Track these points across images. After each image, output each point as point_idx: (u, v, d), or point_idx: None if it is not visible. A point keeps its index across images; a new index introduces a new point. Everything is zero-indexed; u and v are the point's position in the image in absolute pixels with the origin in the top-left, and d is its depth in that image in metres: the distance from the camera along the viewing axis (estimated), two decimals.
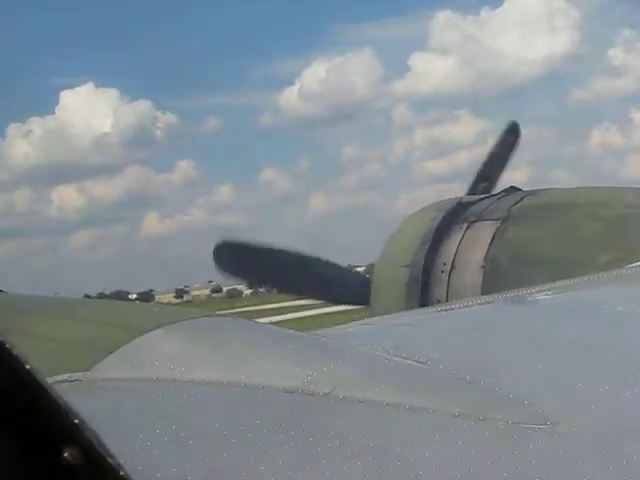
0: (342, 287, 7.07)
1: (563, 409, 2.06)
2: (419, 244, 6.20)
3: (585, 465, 1.84)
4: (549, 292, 3.99)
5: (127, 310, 2.97)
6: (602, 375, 2.39)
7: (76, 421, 0.87)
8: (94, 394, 2.24)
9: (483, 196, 6.61)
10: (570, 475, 1.80)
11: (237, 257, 6.78)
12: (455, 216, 6.30)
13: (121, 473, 0.90)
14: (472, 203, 6.42)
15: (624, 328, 2.97)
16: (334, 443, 1.84)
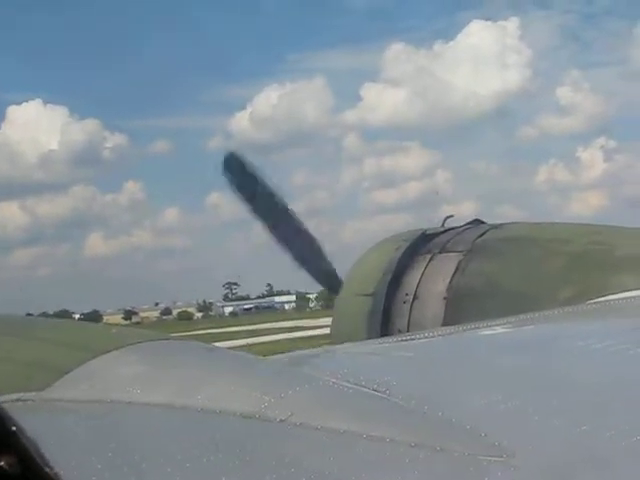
0: (314, 260, 6.89)
1: (519, 442, 2.05)
2: (382, 274, 6.19)
3: None
4: (510, 326, 4.00)
5: (85, 331, 2.94)
6: (559, 409, 2.39)
7: (13, 429, 0.86)
8: (46, 414, 2.21)
9: (447, 228, 6.63)
10: None
11: (244, 174, 6.58)
12: (419, 247, 6.31)
13: None
14: (436, 235, 6.44)
15: (583, 363, 2.98)
16: (289, 470, 1.83)
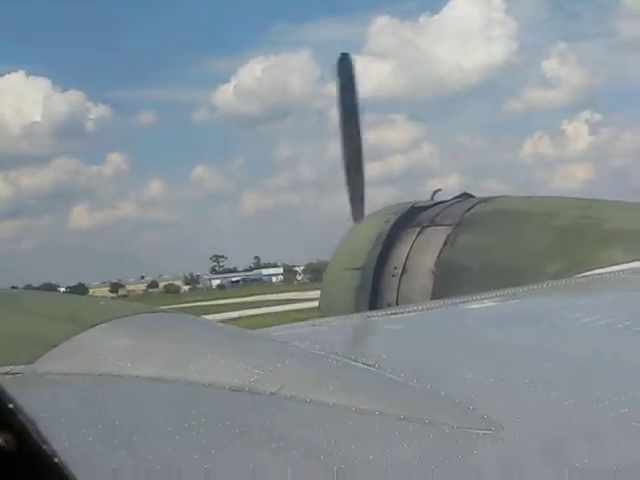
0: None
1: (508, 415, 2.06)
2: (371, 247, 6.20)
3: (529, 470, 1.84)
4: (498, 299, 4.01)
5: (73, 303, 2.93)
6: (547, 382, 2.40)
7: (10, 406, 0.85)
8: (35, 387, 2.21)
9: (436, 201, 6.63)
10: None
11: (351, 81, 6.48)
12: (408, 220, 6.31)
13: (55, 460, 0.88)
14: (425, 208, 6.44)
15: (571, 336, 2.99)
16: (279, 443, 1.83)
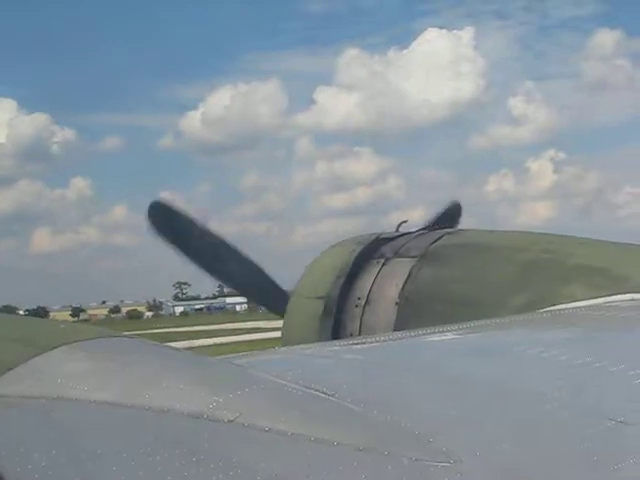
0: (258, 285, 7.03)
1: (467, 448, 2.05)
2: (335, 277, 6.19)
3: None
4: (461, 332, 4.01)
5: (32, 326, 2.89)
6: (506, 416, 2.40)
7: None
8: None
9: (401, 232, 6.64)
10: None
11: (170, 221, 6.67)
12: (372, 251, 6.31)
13: None
14: (390, 239, 6.44)
15: (531, 371, 2.99)
16: (236, 471, 1.81)
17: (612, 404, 2.58)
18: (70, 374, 2.28)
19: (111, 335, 2.67)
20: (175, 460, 1.85)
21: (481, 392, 2.64)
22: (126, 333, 2.96)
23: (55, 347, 2.40)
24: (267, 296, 7.17)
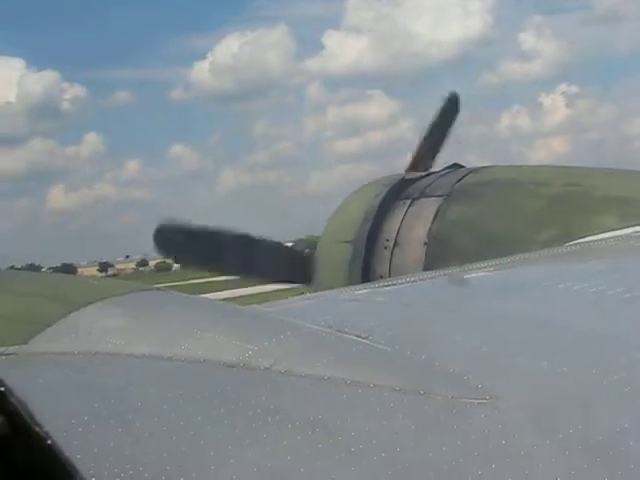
0: (280, 266, 7.03)
1: (503, 384, 2.07)
2: (362, 220, 6.20)
3: (524, 440, 1.85)
4: (491, 269, 4.02)
5: (65, 283, 2.92)
6: (541, 351, 2.40)
7: (1, 389, 0.85)
8: (29, 368, 2.21)
9: (426, 173, 6.62)
10: (509, 450, 1.81)
11: (178, 241, 6.69)
12: (398, 192, 6.31)
13: (48, 442, 0.88)
14: (415, 180, 6.43)
15: (563, 305, 3.00)
16: (274, 418, 1.83)
17: None
18: (107, 329, 2.31)
19: (144, 289, 2.69)
20: (214, 409, 1.88)
21: (514, 328, 2.65)
22: (158, 286, 2.99)
23: (90, 303, 2.42)
24: (296, 272, 7.13)
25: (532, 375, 2.19)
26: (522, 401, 2.01)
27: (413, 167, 6.94)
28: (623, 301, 2.96)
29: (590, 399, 2.08)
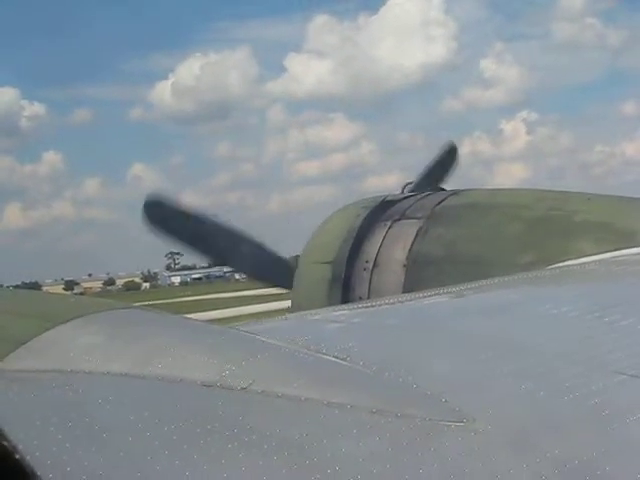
0: (263, 265, 7.05)
1: (480, 407, 2.06)
2: (342, 241, 6.20)
3: (501, 462, 1.85)
4: (470, 291, 4.02)
5: (41, 300, 2.90)
6: (518, 374, 2.41)
7: None
8: (4, 385, 2.19)
9: (407, 194, 6.64)
10: (486, 472, 1.81)
11: (167, 217, 6.68)
12: (379, 214, 6.32)
13: (17, 457, 0.88)
14: (396, 201, 6.45)
15: (542, 328, 3.00)
16: (251, 437, 1.83)
17: (622, 358, 2.59)
18: (83, 347, 2.29)
19: (122, 307, 2.68)
20: (190, 429, 1.87)
21: (492, 351, 2.65)
22: (136, 304, 2.97)
23: (67, 320, 2.41)
24: (277, 274, 7.16)
25: (509, 398, 2.19)
26: (499, 424, 2.01)
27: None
28: (601, 325, 2.97)
29: (567, 423, 2.08)
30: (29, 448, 0.91)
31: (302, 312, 4.33)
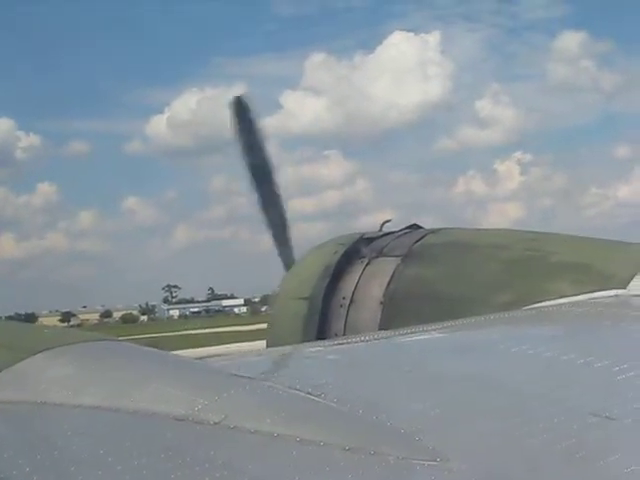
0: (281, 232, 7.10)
1: (454, 446, 2.05)
2: (319, 277, 6.18)
3: None
4: (446, 330, 4.01)
5: (15, 330, 2.88)
6: (492, 413, 2.40)
7: None
8: None
9: (385, 232, 6.64)
10: None
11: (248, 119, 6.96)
12: (356, 251, 6.31)
13: None
14: (374, 239, 6.44)
15: (517, 368, 3.00)
16: (222, 473, 1.81)
17: (596, 400, 2.58)
18: (54, 379, 2.27)
19: (94, 339, 2.65)
20: (161, 463, 1.85)
21: (466, 390, 2.64)
22: (110, 336, 2.95)
23: (39, 352, 2.38)
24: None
25: (483, 437, 2.18)
26: (472, 463, 1.99)
27: None
28: (576, 367, 2.97)
29: (541, 463, 2.07)
30: None
31: (277, 348, 4.31)
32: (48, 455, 1.82)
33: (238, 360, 3.21)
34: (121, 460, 1.83)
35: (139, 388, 2.23)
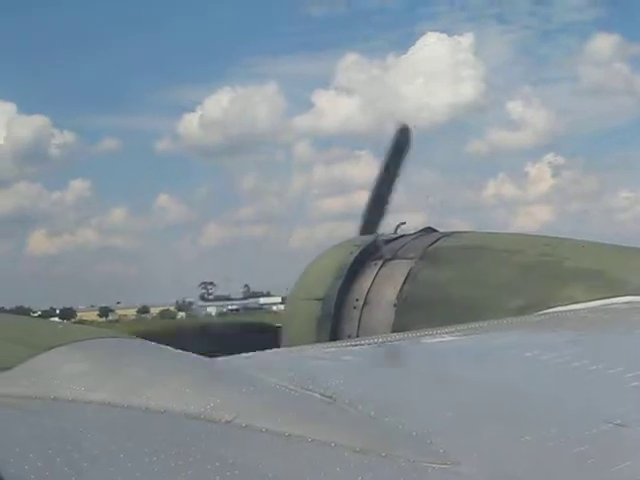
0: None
1: (465, 450, 2.05)
2: (333, 278, 6.19)
3: None
4: (458, 334, 4.01)
5: (29, 326, 2.89)
6: (504, 418, 2.39)
7: None
8: None
9: (400, 235, 6.64)
10: None
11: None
12: (371, 253, 6.31)
13: None
14: (388, 241, 6.44)
15: (530, 373, 2.99)
16: (233, 472, 1.81)
17: (609, 406, 2.58)
18: (67, 374, 2.28)
19: (108, 335, 2.66)
20: (172, 461, 1.85)
21: (479, 394, 2.64)
22: (123, 333, 2.95)
23: (52, 347, 2.39)
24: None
25: (495, 442, 2.17)
26: (483, 468, 1.99)
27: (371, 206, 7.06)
28: (588, 373, 2.96)
29: (552, 470, 2.06)
30: (9, 474, 0.90)
31: (290, 348, 4.31)
32: (60, 451, 1.83)
33: (251, 360, 3.21)
34: (132, 457, 1.84)
35: (151, 385, 2.24)
